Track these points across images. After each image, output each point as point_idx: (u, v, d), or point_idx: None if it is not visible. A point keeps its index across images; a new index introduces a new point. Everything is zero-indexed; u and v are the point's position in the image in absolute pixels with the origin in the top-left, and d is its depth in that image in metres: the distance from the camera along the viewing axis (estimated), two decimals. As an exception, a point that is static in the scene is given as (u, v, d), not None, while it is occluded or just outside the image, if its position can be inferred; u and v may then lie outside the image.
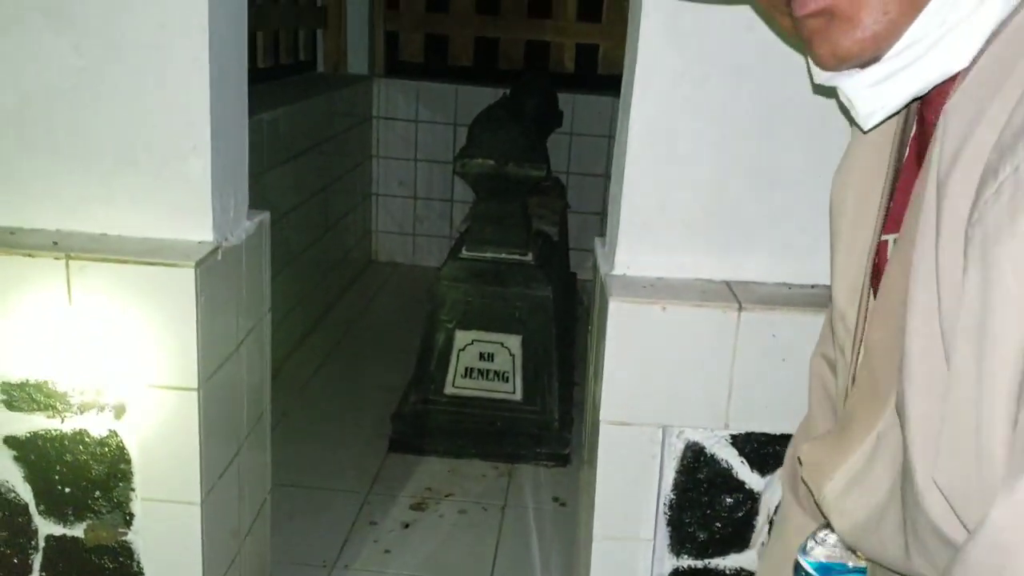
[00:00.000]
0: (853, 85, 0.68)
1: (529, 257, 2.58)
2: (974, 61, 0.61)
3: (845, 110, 0.74)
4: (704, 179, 1.35)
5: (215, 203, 1.37)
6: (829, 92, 0.89)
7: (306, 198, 3.26)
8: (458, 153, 2.56)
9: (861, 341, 0.76)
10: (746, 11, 1.27)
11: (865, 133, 0.76)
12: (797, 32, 0.69)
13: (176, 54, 1.30)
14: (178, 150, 1.33)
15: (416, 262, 4.33)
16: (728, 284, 1.36)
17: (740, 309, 1.29)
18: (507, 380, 2.56)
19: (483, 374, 2.56)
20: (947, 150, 0.57)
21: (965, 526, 0.59)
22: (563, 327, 2.82)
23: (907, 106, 0.73)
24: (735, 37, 1.28)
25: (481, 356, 2.56)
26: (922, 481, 0.62)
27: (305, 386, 2.97)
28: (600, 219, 4.21)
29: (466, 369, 2.56)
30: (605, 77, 4.19)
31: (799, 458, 0.84)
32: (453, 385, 2.57)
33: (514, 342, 2.55)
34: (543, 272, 2.58)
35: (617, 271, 1.38)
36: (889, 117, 0.70)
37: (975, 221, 0.54)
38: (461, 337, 2.56)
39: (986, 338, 0.53)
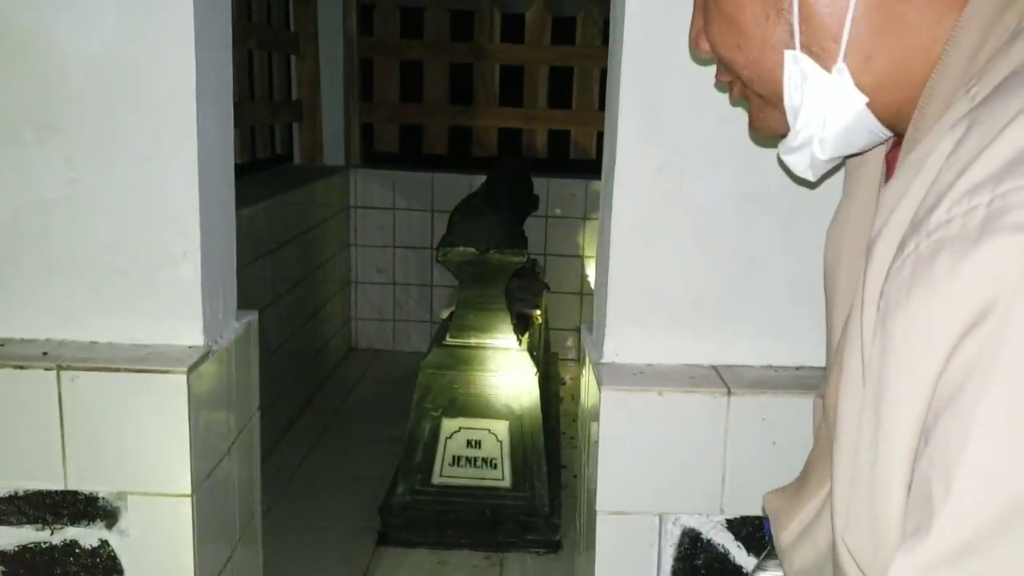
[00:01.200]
0: (780, 150, 0.80)
1: (513, 342, 2.60)
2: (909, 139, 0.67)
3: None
4: (687, 267, 1.38)
5: (205, 307, 1.38)
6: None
7: (286, 290, 3.27)
8: (440, 242, 2.60)
9: None
10: (720, 105, 1.32)
11: (813, 187, 0.83)
12: None
13: (167, 163, 1.32)
14: (169, 257, 1.35)
15: (397, 348, 4.34)
16: (716, 368, 1.38)
17: (729, 394, 1.31)
18: (495, 467, 2.54)
19: (471, 462, 2.55)
20: (876, 224, 0.61)
21: None
22: (547, 410, 2.82)
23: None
24: (710, 130, 1.33)
25: (468, 443, 2.55)
26: (838, 540, 0.66)
27: (290, 480, 2.93)
28: (579, 299, 4.25)
29: (453, 457, 2.55)
30: (577, 161, 4.29)
31: (762, 506, 0.87)
32: (441, 474, 2.55)
33: (501, 428, 2.55)
34: (528, 356, 2.59)
35: (606, 359, 1.40)
36: (823, 174, 0.80)
37: (883, 293, 0.57)
38: (448, 425, 2.55)
39: (882, 404, 0.56)
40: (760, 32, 0.70)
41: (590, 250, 4.17)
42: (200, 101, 1.32)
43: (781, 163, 0.83)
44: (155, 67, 1.30)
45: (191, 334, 1.38)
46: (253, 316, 1.59)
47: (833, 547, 0.68)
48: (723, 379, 1.34)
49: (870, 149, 0.77)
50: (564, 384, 3.94)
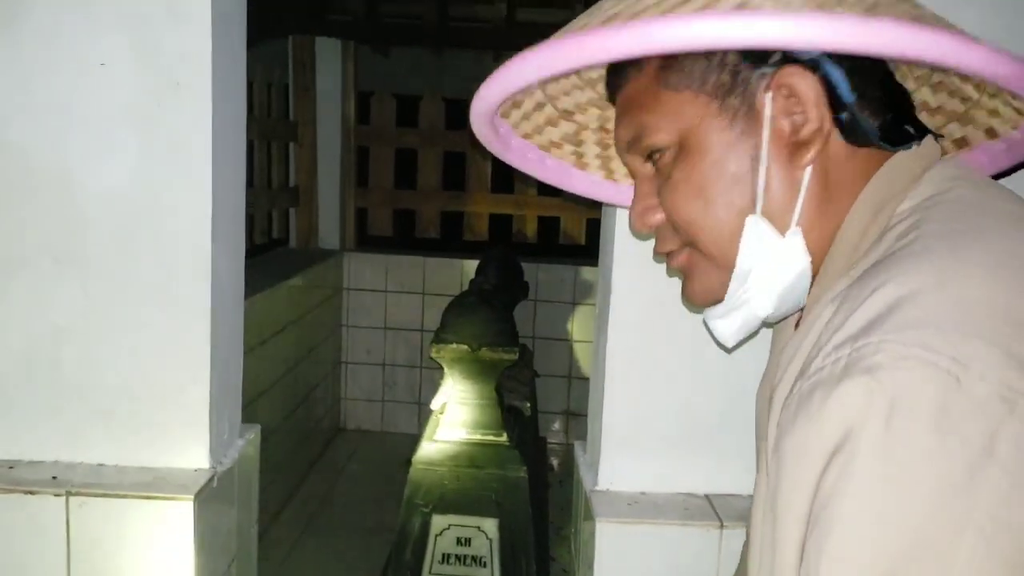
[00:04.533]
0: (709, 314, 0.89)
1: (504, 438, 2.63)
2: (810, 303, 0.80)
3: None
4: (679, 394, 1.43)
5: (212, 430, 1.41)
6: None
7: (279, 376, 3.30)
8: (433, 338, 2.64)
9: None
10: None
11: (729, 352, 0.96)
12: None
13: (180, 295, 1.37)
14: (177, 382, 1.39)
15: (385, 428, 4.35)
16: (708, 498, 1.42)
17: (721, 527, 1.35)
18: (484, 565, 2.55)
19: (460, 560, 2.56)
20: (778, 376, 0.74)
21: None
22: (536, 499, 2.84)
23: None
24: (702, 270, 1.39)
25: (458, 541, 2.56)
26: None
27: (279, 571, 2.93)
28: (567, 382, 4.29)
29: (443, 555, 2.56)
30: (566, 246, 4.37)
31: None
32: (430, 572, 2.56)
33: (490, 525, 2.56)
34: (518, 452, 2.62)
35: (600, 487, 1.43)
36: (741, 342, 0.89)
37: (776, 424, 0.70)
38: (438, 522, 2.56)
39: (777, 513, 0.67)
40: (725, 198, 0.79)
41: (578, 334, 4.22)
42: (215, 238, 1.37)
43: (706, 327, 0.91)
44: (172, 205, 1.35)
45: (197, 456, 1.41)
46: (256, 430, 1.62)
47: None
48: (716, 511, 1.38)
49: (795, 311, 0.87)
50: (552, 470, 3.96)
